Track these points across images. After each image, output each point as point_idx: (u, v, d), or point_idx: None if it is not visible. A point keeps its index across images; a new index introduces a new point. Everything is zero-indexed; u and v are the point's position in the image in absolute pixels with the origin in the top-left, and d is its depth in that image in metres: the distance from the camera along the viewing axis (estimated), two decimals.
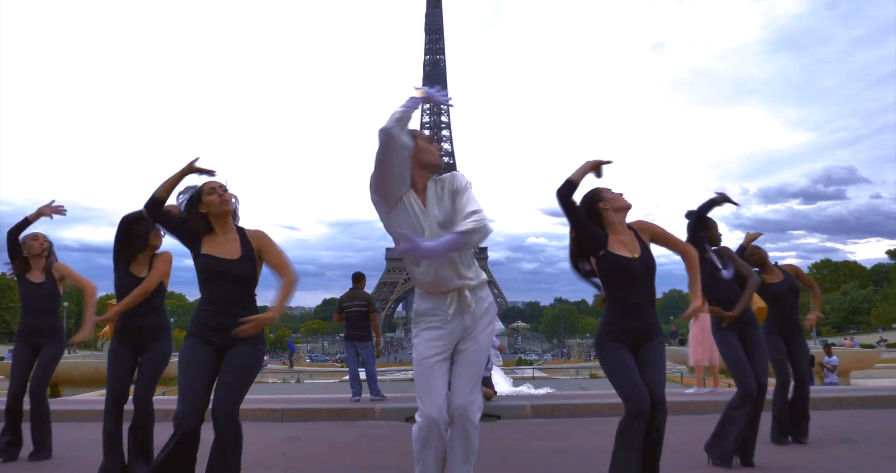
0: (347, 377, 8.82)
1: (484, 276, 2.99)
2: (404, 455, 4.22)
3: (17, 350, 4.68)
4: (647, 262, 3.24)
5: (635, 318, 3.22)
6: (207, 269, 2.98)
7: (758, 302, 15.92)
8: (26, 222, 4.63)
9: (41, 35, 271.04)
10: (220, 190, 3.05)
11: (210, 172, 3.11)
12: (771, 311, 5.28)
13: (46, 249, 4.75)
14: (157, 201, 3.07)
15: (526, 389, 9.80)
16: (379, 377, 8.72)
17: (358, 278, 8.93)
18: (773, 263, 5.37)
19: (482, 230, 2.64)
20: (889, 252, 77.48)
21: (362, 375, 8.54)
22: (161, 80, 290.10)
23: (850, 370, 18.62)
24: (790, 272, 5.36)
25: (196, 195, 3.06)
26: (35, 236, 4.74)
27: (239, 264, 3.00)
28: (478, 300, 2.89)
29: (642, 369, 3.19)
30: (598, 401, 7.55)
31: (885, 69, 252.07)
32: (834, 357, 14.27)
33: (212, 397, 2.96)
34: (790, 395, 5.13)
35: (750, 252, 5.20)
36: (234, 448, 2.96)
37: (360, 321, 8.64)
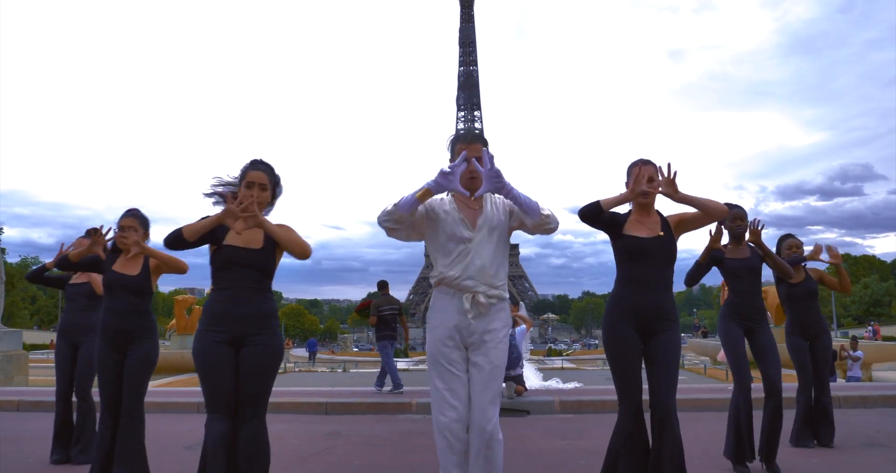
0: (390, 373, 8.92)
1: (506, 293, 2.79)
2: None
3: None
4: (664, 243, 2.94)
5: (645, 296, 2.91)
6: (226, 258, 2.76)
7: (773, 299, 15.32)
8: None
9: (108, 48, 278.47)
10: (256, 190, 2.85)
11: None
12: (791, 312, 4.94)
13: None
14: (183, 242, 2.75)
15: (555, 383, 9.59)
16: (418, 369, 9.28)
17: (383, 285, 9.53)
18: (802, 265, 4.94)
19: (552, 218, 2.71)
20: None
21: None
22: (211, 88, 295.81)
23: (872, 363, 18.01)
24: (812, 276, 5.00)
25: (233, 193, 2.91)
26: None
27: (260, 253, 2.80)
28: (495, 314, 2.70)
29: (651, 366, 2.90)
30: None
31: None
32: (859, 351, 13.98)
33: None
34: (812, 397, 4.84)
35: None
36: (261, 457, 2.72)
37: (394, 322, 9.22)
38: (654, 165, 3.00)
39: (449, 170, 2.57)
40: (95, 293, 4.61)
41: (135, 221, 3.77)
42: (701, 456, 4.33)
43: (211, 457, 2.63)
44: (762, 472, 3.98)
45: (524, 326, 8.49)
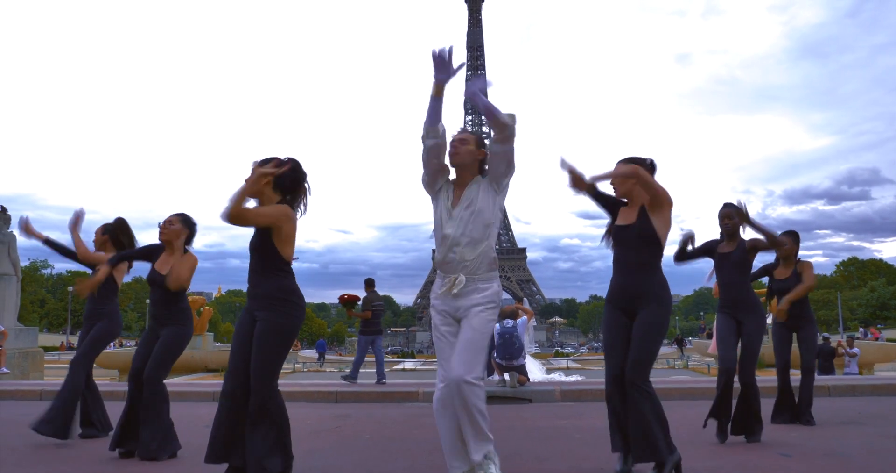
0: (398, 367, 9.22)
1: (493, 267, 3.03)
2: None
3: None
4: (639, 229, 3.26)
5: (628, 277, 3.27)
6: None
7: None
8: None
9: (93, 47, 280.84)
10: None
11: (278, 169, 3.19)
12: (779, 304, 5.18)
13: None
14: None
15: (557, 377, 9.87)
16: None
17: (370, 283, 9.93)
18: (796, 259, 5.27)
19: (510, 124, 2.92)
20: None
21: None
22: (218, 91, 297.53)
23: (875, 363, 18.13)
24: (799, 270, 5.24)
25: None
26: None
27: (257, 237, 3.18)
28: (475, 289, 2.97)
29: (632, 340, 3.21)
30: None
31: None
32: (855, 348, 14.26)
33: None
34: (799, 383, 5.13)
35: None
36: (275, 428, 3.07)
37: (380, 317, 9.64)
38: (628, 165, 3.35)
39: (441, 55, 2.99)
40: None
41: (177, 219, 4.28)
42: (690, 434, 4.60)
43: (217, 409, 3.06)
44: (743, 442, 4.28)
45: (525, 317, 8.77)
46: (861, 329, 38.29)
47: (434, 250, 3.13)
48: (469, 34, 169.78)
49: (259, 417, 2.98)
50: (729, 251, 4.49)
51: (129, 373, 4.11)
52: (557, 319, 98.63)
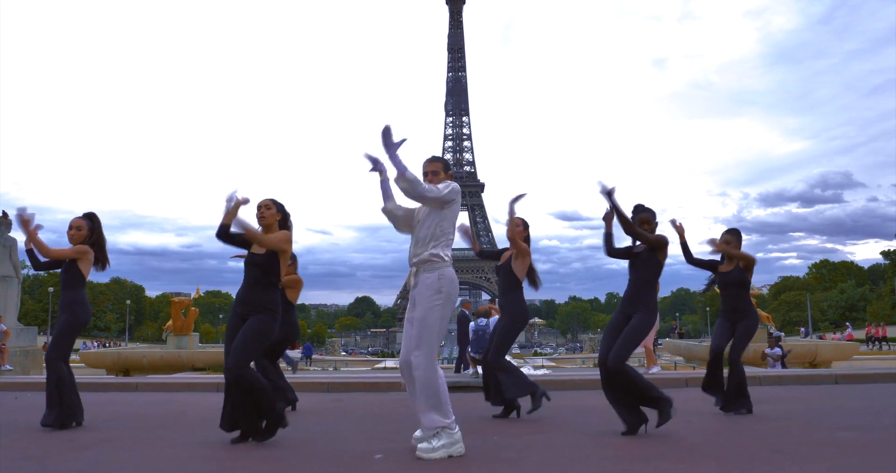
0: (379, 366, 10.16)
1: (434, 260, 3.75)
2: None
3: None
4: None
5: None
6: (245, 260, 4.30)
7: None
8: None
9: (91, 46, 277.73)
10: (262, 207, 4.38)
11: (245, 201, 4.27)
12: (721, 298, 5.73)
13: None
14: (225, 228, 4.30)
15: (526, 370, 10.95)
16: None
17: None
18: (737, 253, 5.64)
19: (415, 186, 3.61)
20: (883, 253, 76.69)
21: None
22: (197, 92, 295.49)
23: (832, 361, 19.23)
24: (740, 265, 5.63)
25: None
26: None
27: (259, 255, 4.23)
28: (422, 279, 3.75)
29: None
30: (583, 378, 8.72)
31: (879, 80, 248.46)
32: (777, 349, 13.92)
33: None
34: (727, 374, 5.56)
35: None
36: (254, 397, 4.03)
37: None
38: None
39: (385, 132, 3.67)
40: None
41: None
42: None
43: (224, 390, 4.17)
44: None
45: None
46: (802, 330, 39.47)
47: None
48: (450, 36, 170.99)
49: (240, 389, 4.00)
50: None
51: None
52: (536, 320, 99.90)
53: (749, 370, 9.49)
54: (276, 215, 4.45)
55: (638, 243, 4.77)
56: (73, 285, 4.95)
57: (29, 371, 14.57)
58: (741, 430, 4.65)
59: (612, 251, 4.94)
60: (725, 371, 5.63)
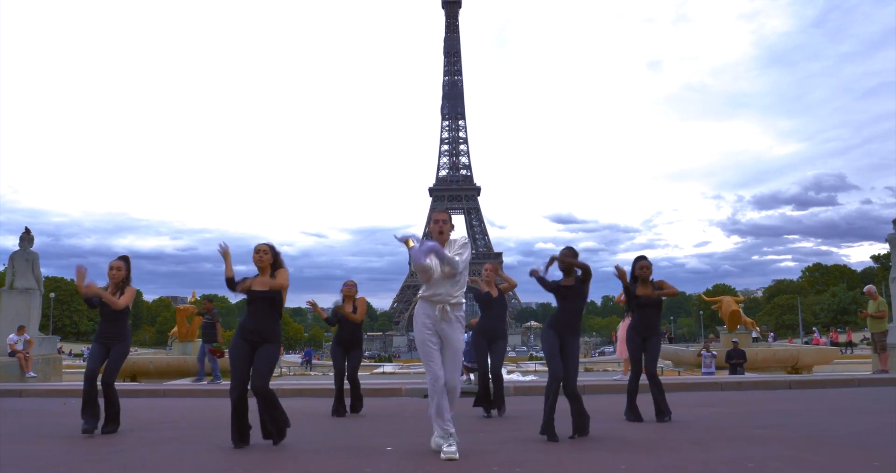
0: (378, 371, 11.06)
1: (463, 302, 4.65)
2: (423, 411, 6.57)
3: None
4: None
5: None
6: (249, 295, 5.04)
7: (731, 305, 17.79)
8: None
9: (85, 48, 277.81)
10: (261, 252, 5.07)
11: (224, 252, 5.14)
12: (636, 315, 6.37)
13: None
14: (230, 282, 5.14)
15: (515, 377, 12.01)
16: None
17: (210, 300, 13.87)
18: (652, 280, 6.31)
19: (452, 264, 4.46)
20: (873, 257, 78.00)
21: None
22: (191, 95, 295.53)
23: (813, 365, 19.50)
24: (657, 286, 6.27)
25: None
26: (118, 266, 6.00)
27: (268, 292, 5.00)
28: (454, 317, 4.60)
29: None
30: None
31: (872, 82, 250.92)
32: (711, 352, 14.18)
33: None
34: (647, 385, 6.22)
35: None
36: (273, 407, 4.92)
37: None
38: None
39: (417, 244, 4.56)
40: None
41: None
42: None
43: (231, 409, 4.97)
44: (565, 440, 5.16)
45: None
46: (771, 335, 39.87)
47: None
48: (446, 40, 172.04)
49: (267, 403, 4.92)
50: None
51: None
52: (533, 323, 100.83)
53: (713, 377, 10.58)
54: (271, 259, 5.14)
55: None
56: (126, 315, 5.83)
57: (50, 378, 15.43)
58: (672, 427, 5.74)
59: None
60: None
